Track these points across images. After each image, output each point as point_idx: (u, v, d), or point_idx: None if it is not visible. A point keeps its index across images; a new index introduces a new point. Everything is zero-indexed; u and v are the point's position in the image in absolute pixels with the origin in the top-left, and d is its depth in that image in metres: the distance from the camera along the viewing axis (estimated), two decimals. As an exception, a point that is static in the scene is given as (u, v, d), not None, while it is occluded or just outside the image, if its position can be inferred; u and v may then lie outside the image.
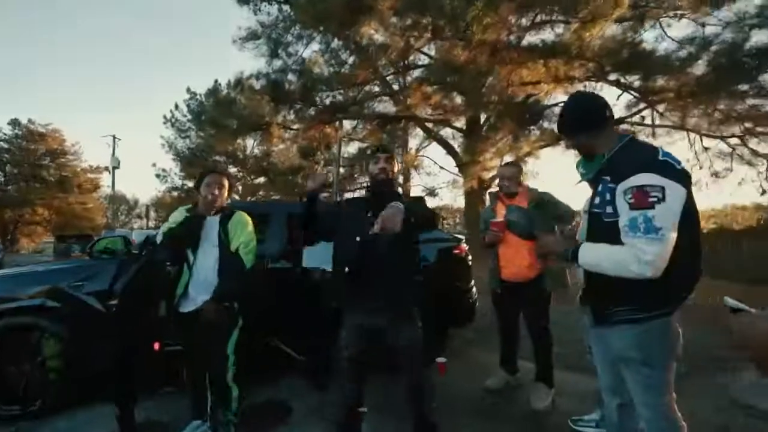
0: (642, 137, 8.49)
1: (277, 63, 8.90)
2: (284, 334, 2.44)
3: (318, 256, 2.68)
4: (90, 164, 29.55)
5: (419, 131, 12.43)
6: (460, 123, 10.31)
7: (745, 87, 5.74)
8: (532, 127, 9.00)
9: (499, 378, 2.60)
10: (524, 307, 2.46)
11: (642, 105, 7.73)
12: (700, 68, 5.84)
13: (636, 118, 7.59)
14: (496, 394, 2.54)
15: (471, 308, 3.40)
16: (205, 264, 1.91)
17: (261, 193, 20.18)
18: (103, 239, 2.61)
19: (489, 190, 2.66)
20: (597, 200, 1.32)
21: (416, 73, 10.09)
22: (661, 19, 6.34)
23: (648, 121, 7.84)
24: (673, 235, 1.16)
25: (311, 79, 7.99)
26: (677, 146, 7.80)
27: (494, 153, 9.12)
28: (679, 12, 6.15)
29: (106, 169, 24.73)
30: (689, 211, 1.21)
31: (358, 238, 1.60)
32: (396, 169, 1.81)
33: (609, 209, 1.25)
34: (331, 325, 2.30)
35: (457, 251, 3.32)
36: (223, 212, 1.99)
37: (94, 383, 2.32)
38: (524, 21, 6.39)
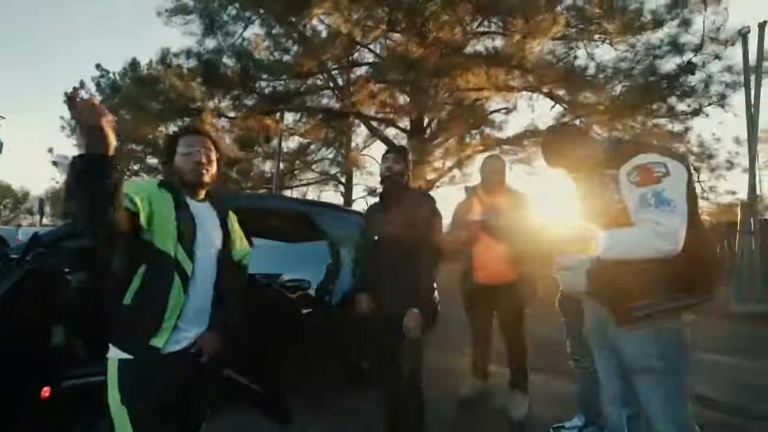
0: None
1: (211, 43, 8.00)
2: (235, 359, 1.99)
3: (260, 261, 2.28)
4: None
5: (362, 129, 12.25)
6: (403, 123, 10.36)
7: (655, 107, 6.57)
8: (474, 131, 9.43)
9: (471, 386, 2.48)
10: (500, 312, 2.36)
11: (569, 117, 8.46)
12: (626, 87, 6.53)
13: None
14: (469, 403, 2.41)
15: (434, 313, 3.29)
16: (204, 276, 1.25)
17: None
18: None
19: (466, 185, 2.53)
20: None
21: (361, 70, 9.87)
22: (592, 41, 6.96)
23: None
24: (686, 208, 1.12)
25: (252, 64, 7.28)
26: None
27: (443, 154, 9.38)
28: (604, 36, 6.79)
29: (-18, 153, 20.11)
30: (691, 202, 1.17)
31: (375, 237, 1.82)
32: (403, 167, 1.86)
33: (615, 197, 1.22)
34: (291, 346, 1.95)
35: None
36: (214, 198, 1.38)
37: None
38: (473, 27, 6.54)
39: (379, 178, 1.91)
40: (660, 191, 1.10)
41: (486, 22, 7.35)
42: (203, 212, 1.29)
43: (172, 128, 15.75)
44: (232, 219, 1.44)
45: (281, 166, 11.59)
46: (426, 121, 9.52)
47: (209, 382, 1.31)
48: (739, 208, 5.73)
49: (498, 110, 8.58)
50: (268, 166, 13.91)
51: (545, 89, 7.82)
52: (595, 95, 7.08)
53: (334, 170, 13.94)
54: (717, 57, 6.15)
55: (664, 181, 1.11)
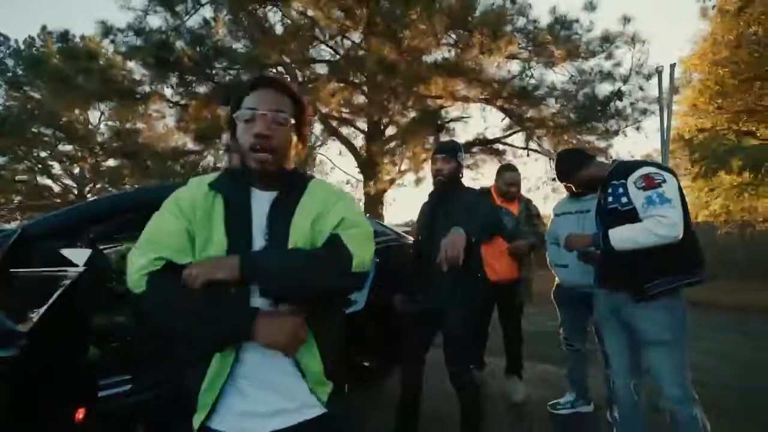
0: (510, 155, 10.42)
1: (155, 21, 7.34)
2: None
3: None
4: None
5: (316, 128, 12.05)
6: (359, 123, 10.48)
7: (590, 126, 7.56)
8: (431, 137, 9.90)
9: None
10: (502, 307, 2.59)
11: (516, 128, 9.31)
12: (570, 107, 7.40)
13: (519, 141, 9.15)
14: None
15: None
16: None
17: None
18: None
19: (482, 186, 2.70)
20: (610, 199, 1.59)
21: (322, 68, 9.76)
22: (540, 63, 7.75)
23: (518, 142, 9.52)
24: (680, 206, 1.44)
25: (212, 50, 6.80)
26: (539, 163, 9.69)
27: (399, 156, 9.70)
28: (550, 60, 7.62)
29: None
30: (682, 204, 1.49)
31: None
32: (454, 166, 1.87)
33: (624, 200, 1.53)
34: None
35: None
36: (288, 180, 0.90)
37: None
38: (443, 38, 6.91)
39: (432, 179, 1.90)
40: (662, 192, 1.43)
41: (445, 36, 7.81)
42: (262, 203, 0.85)
43: (106, 108, 13.99)
44: (316, 193, 0.90)
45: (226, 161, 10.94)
46: (384, 122, 9.77)
47: None
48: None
49: (456, 119, 9.11)
50: (209, 160, 13.03)
51: (498, 103, 8.52)
52: (542, 112, 7.90)
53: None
54: (641, 88, 7.30)
55: (664, 186, 1.44)
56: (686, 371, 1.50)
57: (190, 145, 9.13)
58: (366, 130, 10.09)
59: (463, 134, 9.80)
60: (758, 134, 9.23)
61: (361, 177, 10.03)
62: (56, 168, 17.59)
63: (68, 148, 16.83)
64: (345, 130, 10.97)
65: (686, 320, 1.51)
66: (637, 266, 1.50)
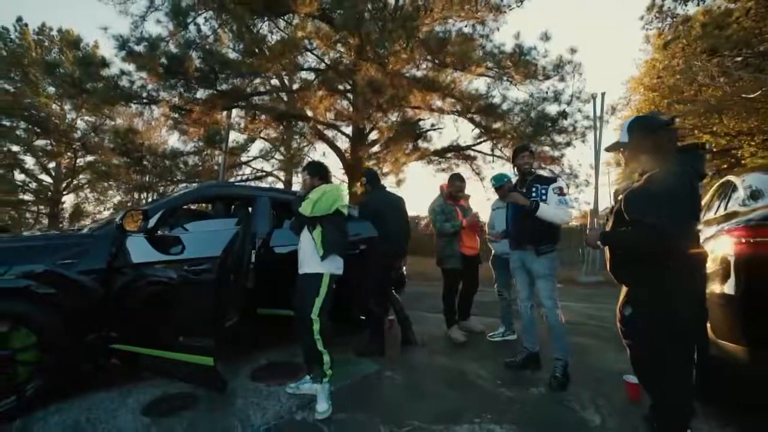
0: (480, 161, 11.76)
1: (153, 28, 7.99)
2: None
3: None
4: None
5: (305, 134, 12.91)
6: (343, 128, 11.49)
7: (543, 138, 8.94)
8: (410, 143, 11.03)
9: (460, 331, 3.60)
10: (467, 273, 3.64)
11: (484, 138, 10.62)
12: (526, 121, 8.75)
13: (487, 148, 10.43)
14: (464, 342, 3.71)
15: (402, 279, 4.57)
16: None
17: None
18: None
19: (442, 188, 3.74)
20: (534, 194, 2.67)
21: (306, 73, 10.66)
22: (504, 83, 9.07)
23: (486, 149, 10.83)
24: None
25: (219, 60, 7.58)
26: (503, 168, 11.05)
27: (379, 160, 10.80)
28: (513, 81, 8.95)
29: None
30: None
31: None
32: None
33: (544, 197, 2.64)
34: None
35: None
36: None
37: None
38: (421, 62, 8.05)
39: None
40: (567, 198, 2.60)
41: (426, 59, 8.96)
42: None
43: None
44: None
45: (221, 160, 11.62)
46: (367, 128, 10.80)
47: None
48: (588, 213, 8.31)
49: (433, 129, 10.28)
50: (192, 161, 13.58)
51: (469, 115, 9.78)
52: (504, 125, 9.22)
53: (271, 168, 14.28)
54: (579, 110, 8.76)
55: (567, 195, 2.60)
56: (555, 293, 2.65)
57: (181, 147, 9.75)
58: (351, 134, 11.10)
59: (438, 141, 10.94)
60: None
61: (346, 178, 10.98)
62: (29, 163, 17.37)
63: (42, 142, 16.69)
64: (330, 133, 11.94)
65: (557, 266, 2.67)
66: (535, 236, 2.64)
